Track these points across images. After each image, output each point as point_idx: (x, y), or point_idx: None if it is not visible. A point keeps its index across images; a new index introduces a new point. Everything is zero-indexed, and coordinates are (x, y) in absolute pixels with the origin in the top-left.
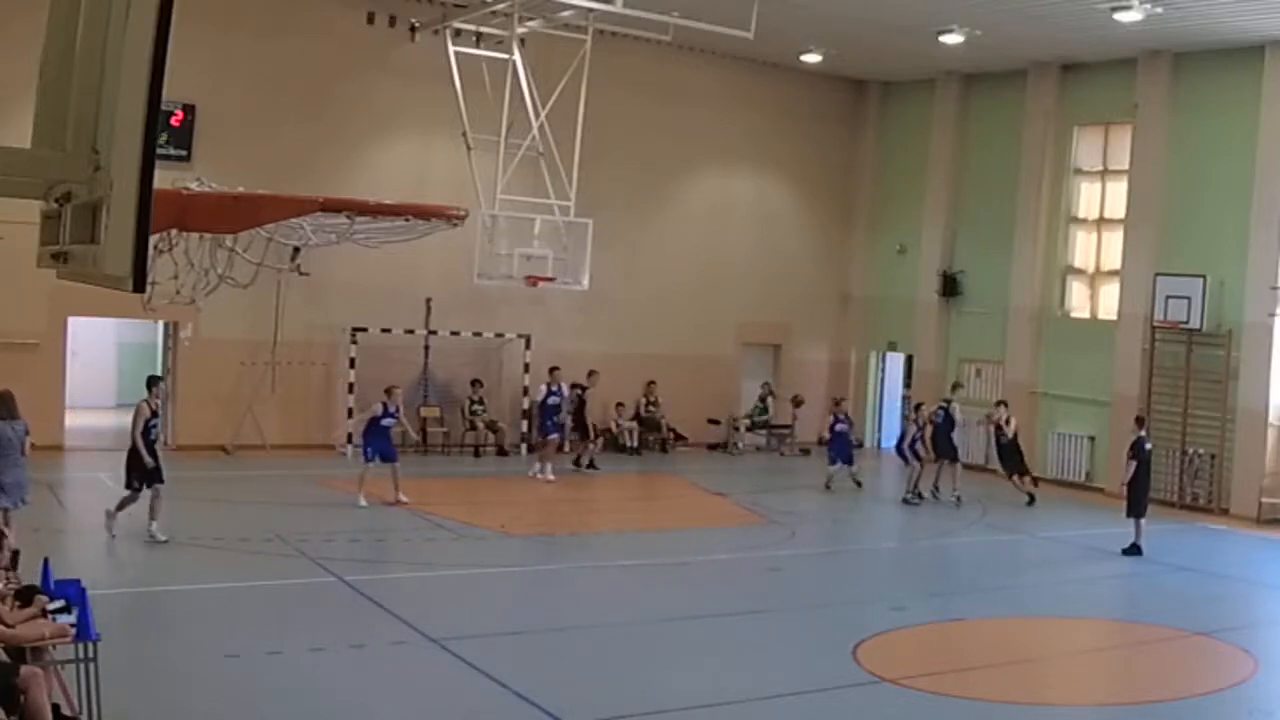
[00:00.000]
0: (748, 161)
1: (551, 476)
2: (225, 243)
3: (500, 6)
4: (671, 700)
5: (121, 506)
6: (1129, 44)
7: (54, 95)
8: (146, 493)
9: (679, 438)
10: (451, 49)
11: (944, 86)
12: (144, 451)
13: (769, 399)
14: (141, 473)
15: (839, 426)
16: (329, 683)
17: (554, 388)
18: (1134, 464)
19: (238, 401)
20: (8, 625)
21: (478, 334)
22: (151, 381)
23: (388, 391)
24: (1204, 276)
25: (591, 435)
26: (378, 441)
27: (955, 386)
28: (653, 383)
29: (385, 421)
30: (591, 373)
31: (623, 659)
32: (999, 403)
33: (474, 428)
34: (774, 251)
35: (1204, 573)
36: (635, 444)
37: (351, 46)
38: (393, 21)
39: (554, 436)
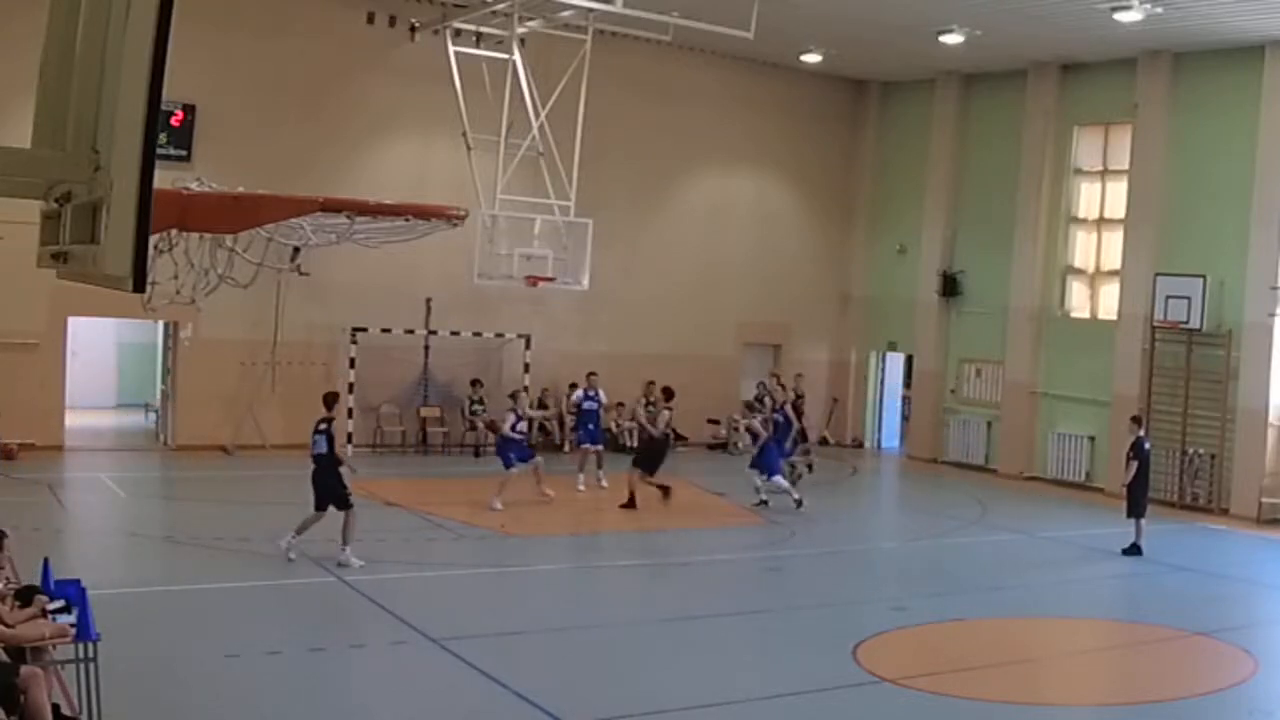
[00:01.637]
0: (748, 161)
1: (582, 487)
2: (225, 243)
3: (500, 6)
4: (671, 700)
5: (304, 528)
6: (1129, 44)
7: (54, 95)
8: (334, 515)
9: (679, 438)
10: (451, 49)
11: (944, 86)
12: (351, 471)
13: (766, 399)
14: (337, 495)
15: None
16: (329, 683)
17: (590, 392)
18: (1135, 464)
19: (238, 401)
20: (8, 625)
21: (478, 334)
22: (333, 399)
23: (513, 396)
24: (1204, 276)
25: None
26: (512, 446)
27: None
28: (652, 383)
29: (520, 427)
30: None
31: (623, 659)
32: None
33: (474, 428)
34: (774, 251)
35: (1204, 573)
36: (635, 444)
37: (351, 46)
38: (393, 21)
39: (597, 446)
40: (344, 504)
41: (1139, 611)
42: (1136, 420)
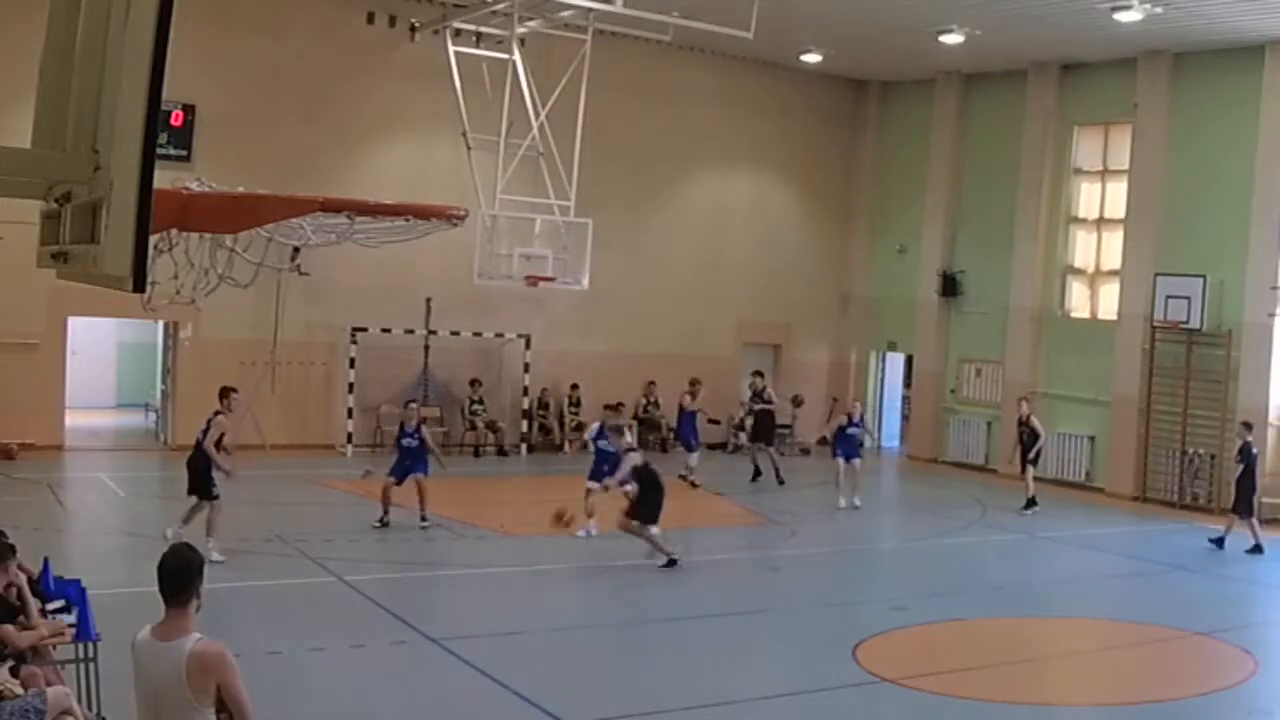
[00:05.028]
0: (748, 162)
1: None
2: (225, 243)
3: (500, 6)
4: (671, 700)
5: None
6: (1129, 44)
7: (54, 95)
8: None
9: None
10: (451, 49)
11: (944, 86)
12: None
13: (765, 390)
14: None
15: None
16: (329, 683)
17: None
18: (1242, 466)
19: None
20: (19, 646)
21: (478, 334)
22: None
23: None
24: (1204, 276)
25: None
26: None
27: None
28: (653, 383)
29: (851, 431)
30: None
31: (623, 659)
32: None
33: (474, 428)
34: (774, 251)
35: (1204, 573)
36: (635, 444)
37: (351, 46)
38: (393, 21)
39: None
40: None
41: (1139, 611)
42: (1247, 425)
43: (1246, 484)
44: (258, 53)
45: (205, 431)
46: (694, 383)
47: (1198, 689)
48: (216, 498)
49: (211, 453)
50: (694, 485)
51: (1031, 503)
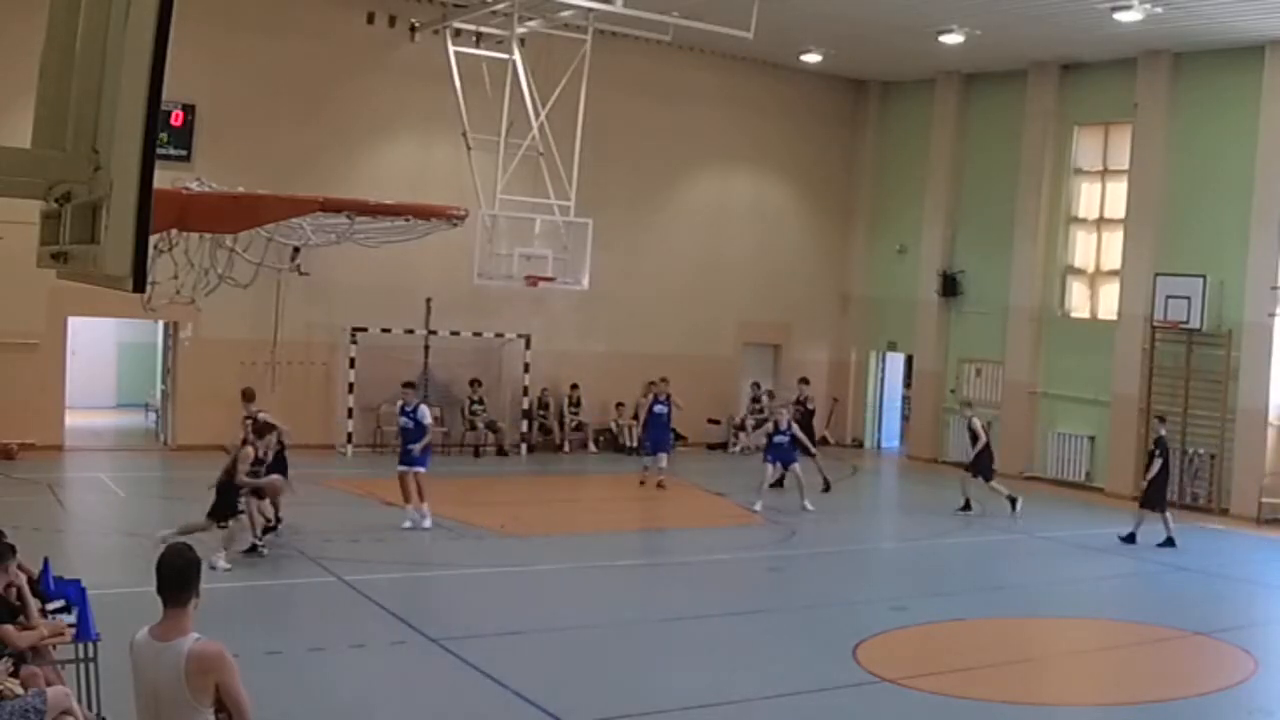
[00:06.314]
0: (748, 161)
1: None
2: (225, 243)
3: (500, 6)
4: (671, 700)
5: None
6: (1129, 44)
7: (54, 95)
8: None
9: (679, 437)
10: (451, 49)
11: (944, 86)
12: None
13: (763, 399)
14: None
15: (657, 408)
16: (329, 683)
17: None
18: (1159, 461)
19: (238, 401)
20: (19, 645)
21: (478, 334)
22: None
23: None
24: (1204, 276)
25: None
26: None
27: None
28: (653, 383)
29: (779, 439)
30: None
31: (623, 659)
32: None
33: (474, 428)
34: (774, 251)
35: (1204, 573)
36: (635, 444)
37: (351, 46)
38: (393, 21)
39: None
40: None
41: (1139, 611)
42: (1161, 420)
43: (1161, 478)
44: (258, 53)
45: (235, 463)
46: (663, 381)
47: (1198, 689)
48: (241, 513)
49: (250, 483)
50: (658, 485)
51: (1013, 503)
